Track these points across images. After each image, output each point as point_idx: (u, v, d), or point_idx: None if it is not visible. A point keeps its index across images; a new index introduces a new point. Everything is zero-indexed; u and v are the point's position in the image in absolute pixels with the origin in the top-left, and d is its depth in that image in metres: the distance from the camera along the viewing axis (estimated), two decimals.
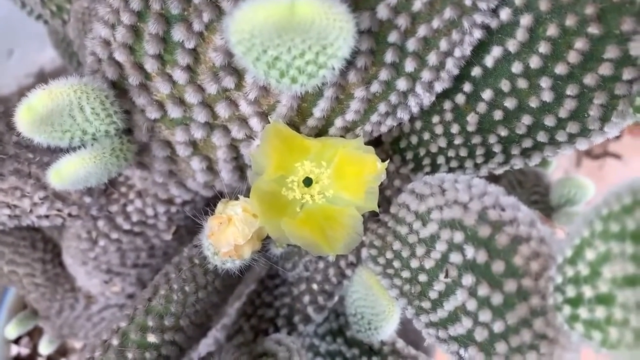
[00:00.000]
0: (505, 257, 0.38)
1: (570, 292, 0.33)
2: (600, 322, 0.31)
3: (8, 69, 2.06)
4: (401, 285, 0.51)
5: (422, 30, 0.42)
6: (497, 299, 0.38)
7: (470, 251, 0.40)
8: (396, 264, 0.51)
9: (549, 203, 1.00)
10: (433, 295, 0.46)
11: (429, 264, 0.46)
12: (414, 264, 0.48)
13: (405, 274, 0.50)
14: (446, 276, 0.43)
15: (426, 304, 0.48)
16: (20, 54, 2.10)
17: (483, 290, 0.39)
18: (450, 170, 0.56)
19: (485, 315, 0.40)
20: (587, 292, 0.31)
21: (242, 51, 0.38)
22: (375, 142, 0.57)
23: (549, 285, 0.35)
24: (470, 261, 0.40)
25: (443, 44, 0.43)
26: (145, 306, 0.51)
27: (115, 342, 0.49)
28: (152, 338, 0.49)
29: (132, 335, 0.50)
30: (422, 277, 0.47)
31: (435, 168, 0.57)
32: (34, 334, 1.24)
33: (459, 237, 0.41)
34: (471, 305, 0.41)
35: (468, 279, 0.41)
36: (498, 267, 0.38)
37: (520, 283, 0.37)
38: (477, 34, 0.43)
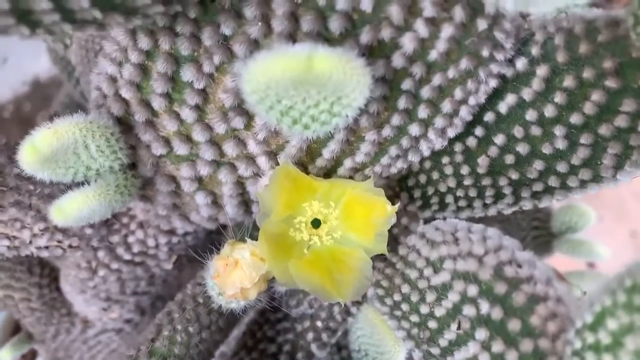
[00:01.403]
0: (522, 316, 0.37)
1: (590, 358, 0.32)
2: None
3: (2, 77, 2.05)
4: (409, 329, 0.51)
5: (437, 79, 0.41)
6: (512, 356, 0.38)
7: (485, 306, 0.39)
8: (404, 307, 0.51)
9: (550, 229, 1.00)
10: (443, 343, 0.46)
11: (439, 312, 0.45)
12: (424, 309, 0.47)
13: (414, 318, 0.49)
14: (458, 328, 0.42)
15: (435, 350, 0.47)
16: (14, 61, 2.09)
17: (497, 347, 0.39)
18: (459, 209, 0.56)
19: None
20: None
21: (256, 100, 0.38)
22: (383, 178, 0.57)
23: (567, 348, 0.34)
24: (485, 316, 0.40)
25: (458, 93, 0.42)
26: (149, 347, 0.50)
27: None
28: None
29: None
30: (432, 324, 0.47)
31: (443, 207, 0.56)
32: (27, 355, 1.22)
33: (473, 290, 0.40)
34: (484, 358, 0.40)
35: (482, 334, 0.40)
36: (514, 325, 0.37)
37: (536, 343, 0.36)
38: (493, 83, 0.43)
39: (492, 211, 0.55)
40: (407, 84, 0.42)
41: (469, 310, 0.41)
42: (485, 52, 0.40)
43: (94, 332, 0.89)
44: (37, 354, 1.01)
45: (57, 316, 0.86)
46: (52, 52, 1.03)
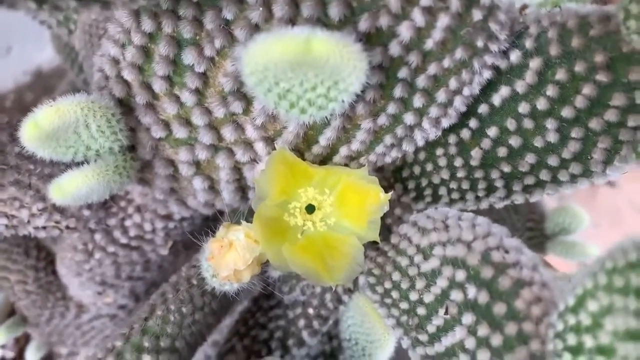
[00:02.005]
0: (507, 300, 0.38)
1: (571, 340, 0.33)
2: None
3: (6, 66, 2.05)
4: (398, 316, 0.51)
5: (432, 68, 0.42)
6: (496, 340, 0.39)
7: (472, 291, 0.40)
8: (394, 294, 0.51)
9: (544, 231, 1.01)
10: (431, 329, 0.47)
11: (428, 298, 0.46)
12: (413, 296, 0.48)
13: (404, 305, 0.50)
14: (446, 313, 0.43)
15: (423, 337, 0.48)
16: (18, 51, 2.09)
17: (483, 331, 0.40)
18: (452, 201, 0.57)
19: (483, 355, 0.40)
20: (588, 341, 0.32)
21: (254, 82, 0.39)
22: (378, 169, 0.57)
23: (550, 331, 0.35)
24: (472, 301, 0.40)
25: (452, 83, 0.43)
26: (142, 326, 0.51)
27: None
28: (147, 359, 0.49)
29: (127, 355, 0.49)
30: (421, 311, 0.47)
31: (436, 198, 0.57)
32: (20, 338, 1.23)
33: (461, 275, 0.41)
34: (470, 343, 0.41)
35: (468, 318, 0.41)
36: (499, 309, 0.38)
37: (520, 326, 0.37)
38: (487, 74, 0.43)
39: (484, 204, 0.56)
40: (403, 72, 0.43)
41: (456, 295, 0.42)
42: (479, 43, 0.41)
43: (88, 317, 0.90)
44: (31, 338, 1.02)
45: (52, 300, 0.86)
46: (56, 40, 1.04)
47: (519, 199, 0.54)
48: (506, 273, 0.38)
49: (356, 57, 0.36)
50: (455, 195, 0.56)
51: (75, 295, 0.84)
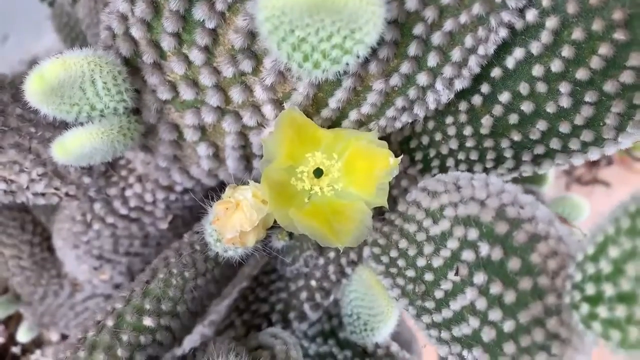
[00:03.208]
0: (522, 255, 0.37)
1: (590, 289, 0.32)
2: (620, 321, 0.30)
3: (2, 55, 2.03)
4: (404, 285, 0.51)
5: (448, 25, 0.42)
6: (509, 297, 0.38)
7: (485, 248, 0.39)
8: (400, 262, 0.51)
9: None
10: (439, 294, 0.46)
11: (437, 262, 0.45)
12: (421, 262, 0.47)
13: (410, 273, 0.49)
14: (456, 274, 0.42)
15: (430, 304, 0.47)
16: (15, 40, 2.08)
17: (495, 289, 0.39)
18: None
19: (495, 314, 0.39)
20: (608, 290, 0.31)
21: (269, 29, 0.38)
22: (384, 139, 0.57)
23: (566, 284, 0.35)
24: (484, 258, 0.40)
25: (468, 40, 0.43)
26: (143, 288, 0.50)
27: (110, 322, 0.48)
28: (148, 321, 0.48)
29: (128, 317, 0.48)
30: (429, 276, 0.47)
31: (443, 170, 0.57)
32: (10, 323, 1.21)
33: (473, 234, 0.41)
34: (481, 304, 0.41)
35: (480, 277, 0.40)
36: (514, 264, 0.37)
37: (536, 281, 0.36)
38: (503, 32, 0.43)
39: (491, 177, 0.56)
40: (418, 29, 0.42)
41: (467, 255, 0.41)
42: None
43: (82, 296, 0.89)
44: (23, 318, 1.00)
45: (46, 277, 0.85)
46: (56, 18, 1.03)
47: (527, 170, 0.54)
48: (521, 228, 0.38)
49: (375, 2, 0.36)
50: (462, 167, 0.55)
51: (70, 271, 0.83)
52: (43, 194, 0.62)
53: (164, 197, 0.66)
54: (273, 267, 0.67)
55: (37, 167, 0.60)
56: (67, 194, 0.62)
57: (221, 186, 0.66)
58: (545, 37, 0.43)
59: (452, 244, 0.43)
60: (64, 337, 1.21)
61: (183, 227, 0.76)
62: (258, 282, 0.69)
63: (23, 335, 0.98)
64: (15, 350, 1.23)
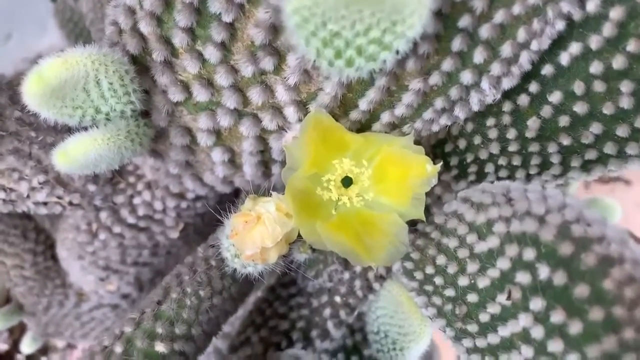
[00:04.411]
0: (592, 281, 0.32)
1: None
2: None
3: (5, 53, 2.00)
4: (441, 305, 0.46)
5: (499, 16, 0.37)
6: (575, 327, 0.33)
7: (544, 271, 0.35)
8: (438, 280, 0.46)
9: None
10: (484, 317, 0.41)
11: (483, 282, 0.41)
12: (463, 282, 0.43)
13: (449, 292, 0.44)
14: (508, 298, 0.38)
15: (473, 327, 0.43)
16: (18, 38, 2.04)
17: (557, 317, 0.34)
18: (498, 180, 0.51)
19: (555, 345, 0.34)
20: None
21: (297, 22, 0.33)
22: (415, 142, 0.52)
23: None
24: (543, 282, 0.35)
25: (521, 34, 0.38)
26: (155, 310, 0.45)
27: (118, 349, 0.43)
28: (160, 347, 0.44)
29: (138, 342, 0.44)
30: (472, 297, 0.42)
31: (481, 177, 0.52)
32: (15, 330, 1.17)
33: (530, 254, 0.36)
34: (537, 332, 0.36)
35: (537, 303, 0.35)
36: (581, 291, 0.32)
37: (609, 311, 0.31)
38: (560, 25, 0.38)
39: (534, 184, 0.51)
40: (465, 21, 0.37)
41: (522, 277, 0.36)
42: None
43: (88, 306, 0.84)
44: (26, 330, 0.96)
45: (50, 287, 0.81)
46: (59, 14, 0.99)
47: (575, 176, 0.49)
48: (590, 249, 0.33)
49: None
50: (503, 173, 0.51)
51: (75, 281, 0.78)
52: (45, 203, 0.58)
53: (174, 205, 0.62)
54: (292, 279, 0.62)
55: (38, 174, 0.55)
56: (70, 203, 0.58)
57: (237, 193, 0.62)
58: (607, 29, 0.38)
59: (503, 263, 0.38)
60: (70, 344, 1.17)
61: (195, 235, 0.72)
62: (276, 294, 0.64)
63: (27, 346, 0.94)
64: (20, 358, 1.19)
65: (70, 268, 0.72)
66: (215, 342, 0.77)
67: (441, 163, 0.45)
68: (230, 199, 0.66)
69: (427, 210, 0.52)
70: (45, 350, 1.25)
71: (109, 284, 0.74)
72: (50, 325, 0.89)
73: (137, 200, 0.61)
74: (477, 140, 0.49)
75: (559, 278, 0.34)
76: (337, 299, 0.56)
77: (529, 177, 0.50)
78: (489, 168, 0.51)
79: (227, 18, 0.41)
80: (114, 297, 0.79)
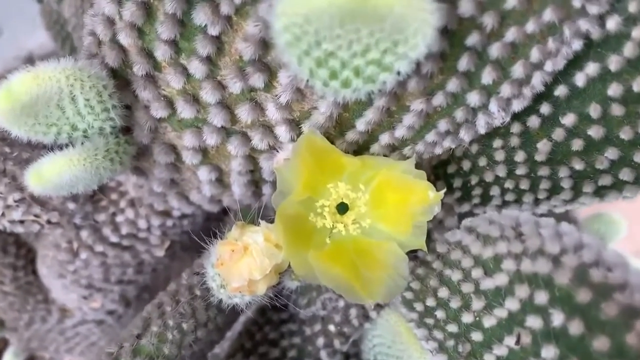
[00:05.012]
0: (613, 333, 0.29)
1: None
2: None
3: None
4: (442, 340, 0.43)
5: (511, 34, 0.33)
6: None
7: (558, 318, 0.31)
8: (439, 314, 0.43)
9: None
10: (489, 359, 0.38)
11: (488, 322, 0.37)
12: (467, 318, 0.39)
13: (452, 327, 0.41)
14: (517, 342, 0.34)
15: None
16: (9, 35, 2.00)
17: None
18: (504, 204, 0.48)
19: None
20: None
21: (288, 40, 0.30)
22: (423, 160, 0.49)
23: None
24: (557, 329, 0.32)
25: (534, 54, 0.34)
26: (134, 345, 0.42)
27: None
28: None
29: None
30: (477, 336, 0.39)
31: (485, 200, 0.49)
32: None
33: (542, 297, 0.32)
34: None
35: (550, 351, 0.32)
36: (601, 344, 0.29)
37: None
38: (577, 44, 0.35)
39: (542, 208, 0.48)
40: (472, 39, 0.34)
41: (533, 322, 0.33)
42: (576, 2, 0.32)
43: (72, 322, 0.81)
44: (9, 343, 0.92)
45: (32, 302, 0.77)
46: (46, 15, 0.95)
47: (586, 202, 0.45)
48: (611, 298, 0.29)
49: (427, 8, 0.28)
50: (509, 197, 0.47)
51: (58, 298, 0.75)
52: (22, 222, 0.54)
53: (159, 223, 0.58)
54: (283, 303, 0.59)
55: (13, 192, 0.52)
56: (49, 222, 0.54)
57: (225, 211, 0.59)
58: (629, 49, 0.35)
59: (512, 304, 0.35)
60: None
61: (182, 252, 0.68)
62: (266, 318, 0.61)
63: None
64: None
65: (52, 286, 0.69)
66: None
67: (444, 190, 0.41)
68: (218, 217, 0.63)
69: (428, 235, 0.48)
70: None
71: (93, 302, 0.71)
72: (34, 340, 0.86)
73: (120, 219, 0.58)
74: (482, 162, 0.46)
75: (575, 327, 0.30)
76: (331, 327, 0.53)
77: (537, 202, 0.47)
78: (495, 191, 0.47)
79: (213, 31, 0.38)
80: (99, 313, 0.76)
